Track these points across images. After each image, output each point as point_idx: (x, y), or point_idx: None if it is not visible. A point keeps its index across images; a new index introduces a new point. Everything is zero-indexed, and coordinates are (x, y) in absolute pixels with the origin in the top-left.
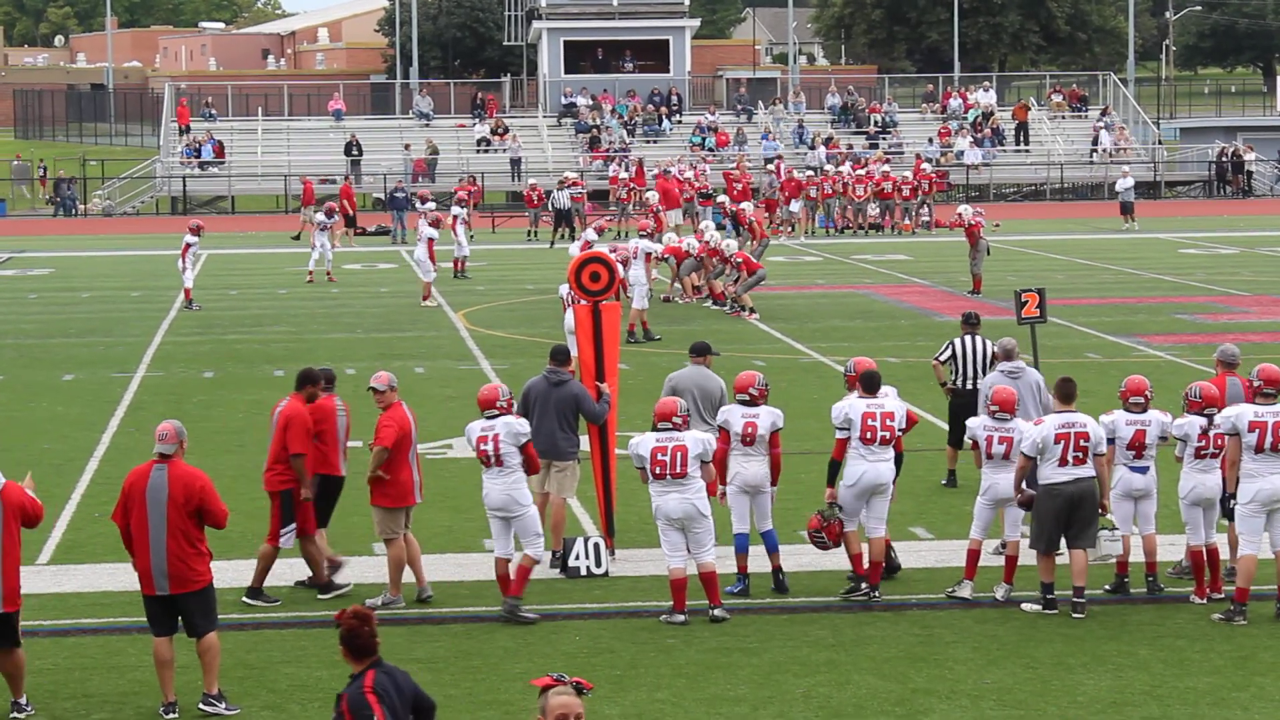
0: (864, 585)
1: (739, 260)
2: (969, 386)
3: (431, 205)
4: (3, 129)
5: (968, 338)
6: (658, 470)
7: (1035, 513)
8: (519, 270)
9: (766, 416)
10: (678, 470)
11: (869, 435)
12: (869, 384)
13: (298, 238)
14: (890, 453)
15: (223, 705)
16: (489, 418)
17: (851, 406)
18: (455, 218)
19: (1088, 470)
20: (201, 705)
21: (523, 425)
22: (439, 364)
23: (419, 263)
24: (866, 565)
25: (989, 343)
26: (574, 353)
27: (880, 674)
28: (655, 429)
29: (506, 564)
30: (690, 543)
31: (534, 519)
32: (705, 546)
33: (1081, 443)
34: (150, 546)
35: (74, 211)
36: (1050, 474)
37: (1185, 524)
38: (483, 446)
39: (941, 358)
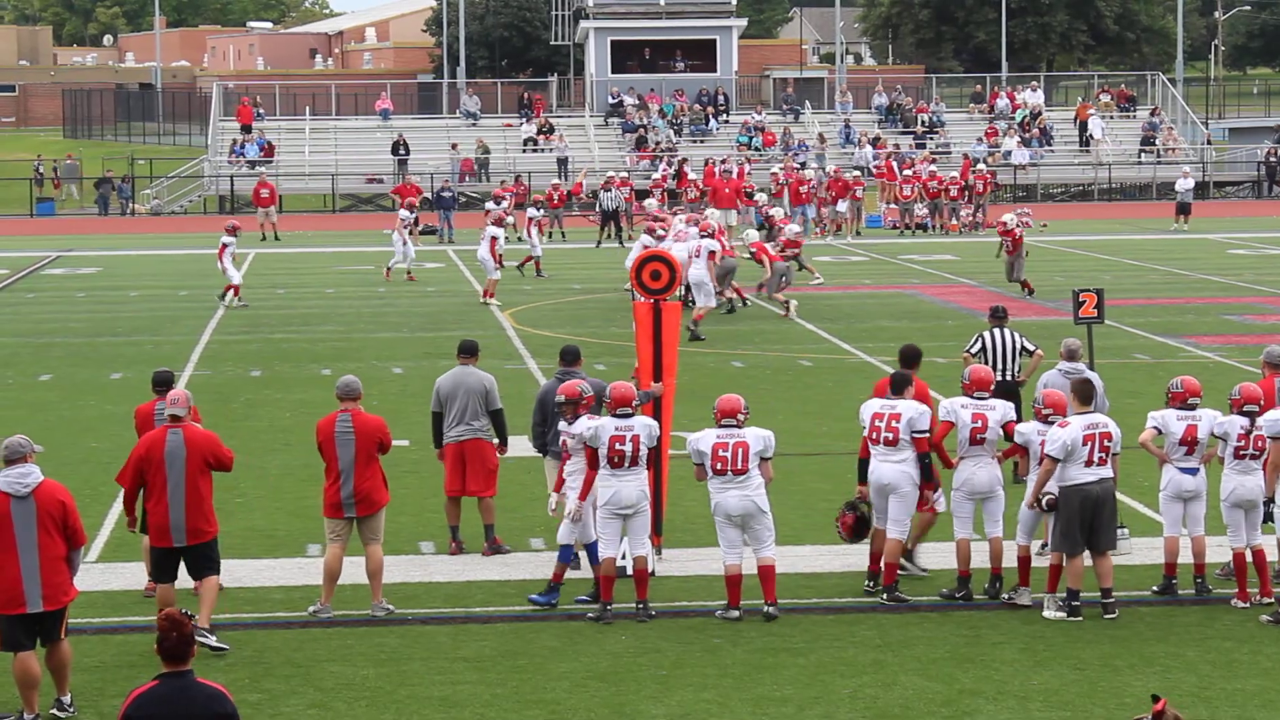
0: (871, 584)
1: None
2: (997, 379)
3: (491, 204)
4: (52, 128)
5: (996, 330)
6: (718, 466)
7: (1061, 514)
8: (565, 270)
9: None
10: (739, 466)
11: (874, 435)
12: (892, 384)
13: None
14: (904, 454)
15: (213, 638)
16: (622, 416)
17: (867, 406)
18: (530, 220)
19: (1108, 471)
20: (197, 638)
21: (655, 423)
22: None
23: (481, 261)
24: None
25: (1018, 335)
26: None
27: (927, 675)
28: (718, 425)
29: (614, 564)
30: (750, 539)
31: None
32: (765, 542)
33: (1105, 443)
34: (170, 503)
35: (108, 210)
36: (1076, 474)
37: (1227, 526)
38: (619, 446)
39: (972, 350)
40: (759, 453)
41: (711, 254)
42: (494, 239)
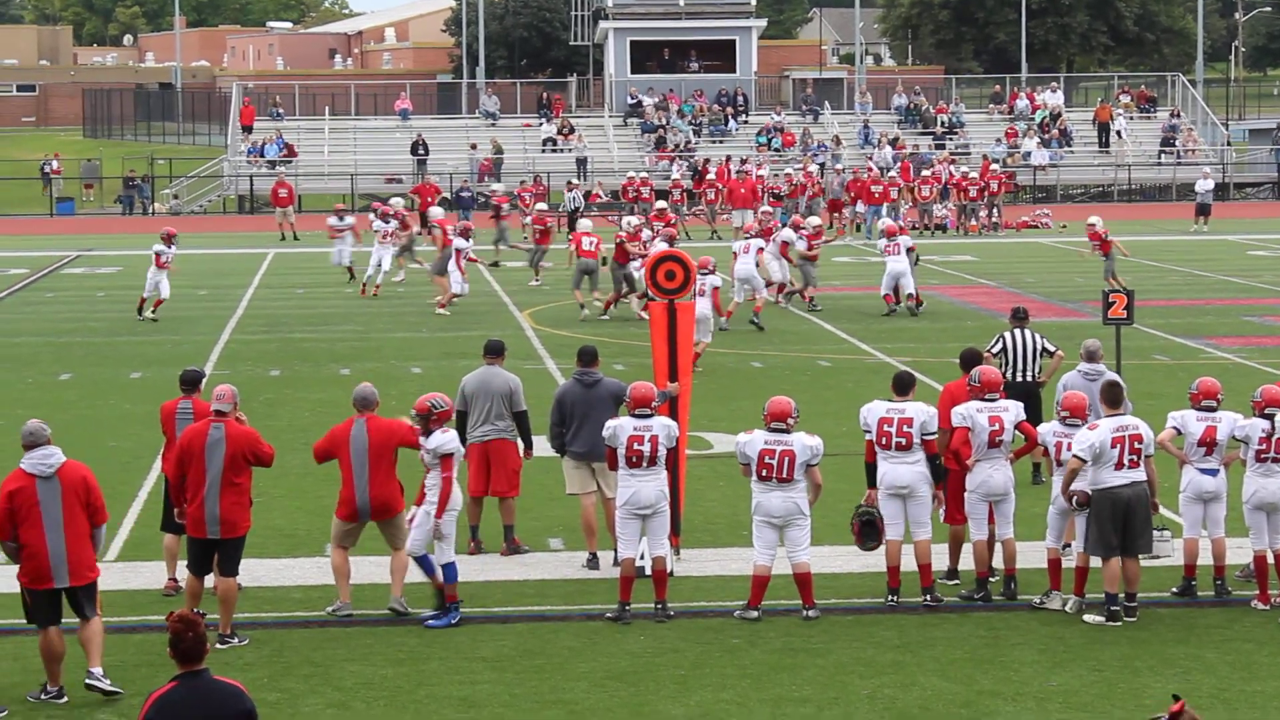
0: (893, 599)
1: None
2: (1018, 379)
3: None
4: (72, 128)
5: (1017, 331)
6: (763, 473)
7: (1093, 518)
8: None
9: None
10: (783, 475)
11: (884, 440)
12: (897, 386)
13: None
14: (916, 456)
15: (235, 639)
16: (641, 417)
17: (870, 409)
18: (460, 251)
19: (1141, 474)
20: (219, 645)
21: (675, 424)
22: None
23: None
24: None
25: (1039, 336)
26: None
27: (946, 676)
28: (768, 428)
29: (633, 564)
30: (786, 541)
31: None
32: (802, 546)
33: (1136, 445)
34: (206, 496)
35: (133, 209)
36: (1107, 478)
37: (1249, 528)
38: (637, 446)
39: (993, 350)
40: (805, 462)
41: (760, 250)
42: (458, 251)
